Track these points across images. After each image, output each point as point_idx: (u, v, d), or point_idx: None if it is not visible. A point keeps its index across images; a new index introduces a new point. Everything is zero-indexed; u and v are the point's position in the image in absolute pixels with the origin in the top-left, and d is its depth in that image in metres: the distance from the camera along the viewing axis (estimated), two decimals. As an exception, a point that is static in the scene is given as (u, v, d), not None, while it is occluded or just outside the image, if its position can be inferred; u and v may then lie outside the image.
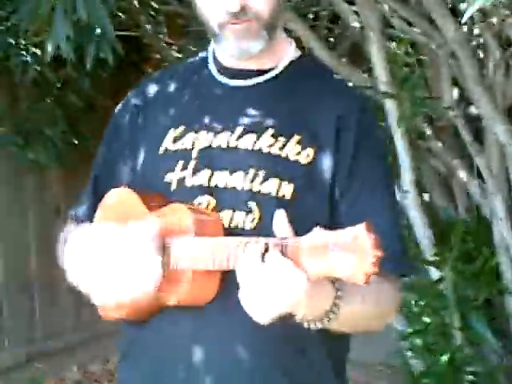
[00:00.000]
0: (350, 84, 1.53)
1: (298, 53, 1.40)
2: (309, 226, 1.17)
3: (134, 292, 1.15)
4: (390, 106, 2.23)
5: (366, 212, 1.26)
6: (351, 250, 0.99)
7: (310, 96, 1.34)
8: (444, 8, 1.98)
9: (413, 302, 2.27)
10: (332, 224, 1.25)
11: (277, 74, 1.36)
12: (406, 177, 2.28)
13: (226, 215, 1.26)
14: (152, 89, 1.43)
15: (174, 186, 1.30)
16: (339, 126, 1.30)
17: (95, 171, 1.41)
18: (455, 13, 2.08)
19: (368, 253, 0.98)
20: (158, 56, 3.49)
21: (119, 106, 1.44)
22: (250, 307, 1.07)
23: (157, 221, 1.18)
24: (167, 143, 1.34)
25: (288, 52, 1.38)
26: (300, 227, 1.17)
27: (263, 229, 1.23)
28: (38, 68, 2.96)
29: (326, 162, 1.29)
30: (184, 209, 1.19)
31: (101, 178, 1.40)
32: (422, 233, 2.32)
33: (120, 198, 1.27)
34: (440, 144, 2.43)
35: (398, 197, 2.24)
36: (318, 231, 1.05)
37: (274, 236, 1.13)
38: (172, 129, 1.35)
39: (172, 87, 1.42)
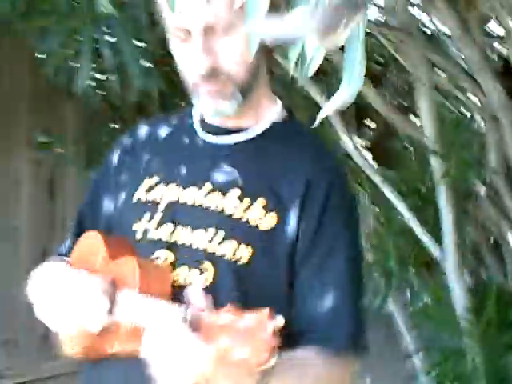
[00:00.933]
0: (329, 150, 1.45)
1: (283, 114, 1.37)
2: (264, 292, 1.21)
3: (79, 328, 1.17)
4: (434, 162, 2.17)
5: (321, 286, 1.25)
6: (250, 335, 0.98)
7: (282, 160, 1.31)
8: (489, 71, 1.90)
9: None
10: (290, 293, 1.25)
11: (256, 135, 1.33)
12: (447, 237, 2.19)
13: (181, 272, 1.25)
14: (143, 133, 1.44)
15: (138, 237, 1.30)
16: (306, 195, 1.27)
17: (81, 207, 1.43)
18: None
19: (264, 342, 0.97)
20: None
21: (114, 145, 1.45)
22: (156, 374, 1.07)
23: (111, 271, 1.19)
24: (140, 192, 1.34)
25: (271, 112, 1.35)
26: (255, 293, 1.20)
27: (215, 290, 1.20)
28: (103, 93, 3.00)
29: (288, 231, 1.26)
30: (135, 263, 1.18)
31: (85, 215, 1.41)
32: (459, 299, 2.23)
33: (88, 240, 1.28)
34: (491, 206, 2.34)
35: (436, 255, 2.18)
36: (227, 310, 1.02)
37: (224, 298, 1.13)
38: (147, 178, 1.35)
39: (159, 134, 1.42)
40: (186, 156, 1.37)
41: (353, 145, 2.39)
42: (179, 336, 1.05)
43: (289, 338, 1.19)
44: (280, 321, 1.02)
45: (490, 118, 2.01)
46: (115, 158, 1.43)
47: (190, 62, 1.27)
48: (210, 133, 1.35)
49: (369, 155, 2.60)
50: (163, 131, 1.43)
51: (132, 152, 1.42)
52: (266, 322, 0.98)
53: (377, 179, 2.33)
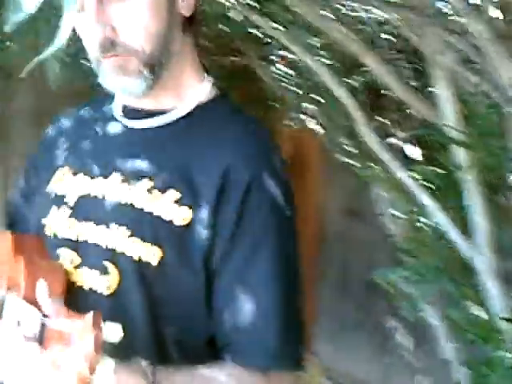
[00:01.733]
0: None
1: (214, 93, 1.21)
2: (177, 298, 1.07)
3: None
4: (459, 153, 1.93)
5: (241, 294, 1.09)
6: (74, 342, 0.88)
7: (202, 146, 1.14)
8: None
9: None
10: (207, 297, 1.10)
11: (177, 118, 1.18)
12: (480, 238, 1.95)
13: (84, 273, 1.12)
14: (66, 121, 1.32)
15: (47, 232, 1.19)
16: (223, 186, 1.10)
17: (11, 195, 1.34)
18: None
19: (83, 350, 0.87)
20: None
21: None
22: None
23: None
24: (52, 184, 1.22)
25: (197, 92, 1.20)
26: (167, 299, 1.07)
27: (119, 295, 1.08)
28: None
29: (202, 228, 1.09)
30: (22, 263, 1.05)
31: (13, 203, 1.33)
32: (498, 304, 1.99)
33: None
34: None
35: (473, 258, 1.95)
36: (65, 315, 0.92)
37: (129, 304, 1.07)
38: (59, 170, 1.23)
39: (76, 124, 1.30)
40: (100, 144, 1.23)
41: (374, 139, 2.19)
42: (16, 347, 0.95)
43: (212, 349, 1.09)
44: (111, 329, 0.92)
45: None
46: (43, 147, 1.33)
47: (86, 35, 1.12)
48: (129, 118, 1.21)
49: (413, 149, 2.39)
50: (79, 120, 1.30)
51: (56, 142, 1.30)
52: (87, 329, 0.87)
53: (403, 175, 2.13)
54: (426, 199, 2.04)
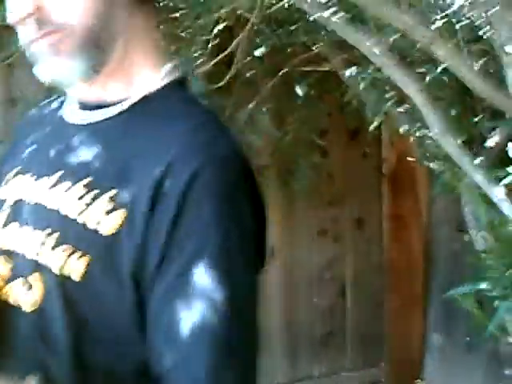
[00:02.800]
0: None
1: (164, 80, 1.06)
2: (105, 318, 0.95)
3: None
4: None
5: (173, 317, 0.92)
6: None
7: (144, 144, 1.00)
8: None
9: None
10: (138, 319, 0.94)
11: (124, 109, 1.04)
12: None
13: (14, 287, 1.00)
14: (23, 123, 1.23)
15: None
16: (160, 186, 0.94)
17: None
18: None
19: None
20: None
21: None
22: None
23: None
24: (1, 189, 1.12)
25: (150, 81, 1.05)
26: (92, 319, 0.95)
27: (43, 314, 0.97)
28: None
29: (134, 235, 0.94)
30: None
31: None
32: None
33: None
34: None
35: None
36: None
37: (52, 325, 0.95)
38: (8, 172, 1.13)
39: (35, 120, 1.19)
40: (48, 142, 1.11)
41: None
42: None
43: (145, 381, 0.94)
44: None
45: None
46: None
47: (12, 8, 0.99)
48: (76, 112, 1.08)
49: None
50: (37, 117, 1.20)
51: (13, 146, 1.20)
52: None
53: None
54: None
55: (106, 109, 1.05)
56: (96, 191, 0.98)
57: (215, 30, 2.66)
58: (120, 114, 1.04)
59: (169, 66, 1.08)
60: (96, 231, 0.96)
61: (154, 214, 0.94)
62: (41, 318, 0.98)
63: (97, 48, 1.01)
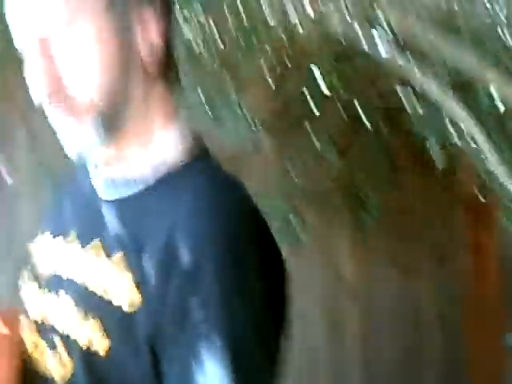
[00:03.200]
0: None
1: (184, 152, 1.08)
2: None
3: None
4: None
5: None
6: None
7: (156, 223, 1.02)
8: None
9: None
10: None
11: (144, 188, 1.07)
12: None
13: (48, 362, 1.06)
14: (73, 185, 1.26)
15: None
16: (166, 266, 0.97)
17: None
18: None
19: None
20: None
21: None
22: None
23: None
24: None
25: (168, 151, 1.08)
26: None
27: None
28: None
29: (150, 312, 0.97)
30: None
31: None
32: None
33: None
34: None
35: None
36: None
37: None
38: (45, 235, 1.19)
39: (75, 187, 1.24)
40: (75, 212, 1.17)
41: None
42: None
43: None
44: None
45: None
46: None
47: (32, 86, 1.02)
48: (105, 189, 1.12)
49: None
50: (77, 186, 1.23)
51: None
52: None
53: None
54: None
55: (129, 185, 1.08)
56: (116, 271, 1.02)
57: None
58: (142, 190, 1.07)
59: (186, 136, 1.10)
60: (119, 307, 1.00)
61: (163, 291, 0.97)
62: None
63: (113, 120, 1.04)
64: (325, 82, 2.93)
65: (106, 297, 1.01)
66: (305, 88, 2.97)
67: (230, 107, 2.63)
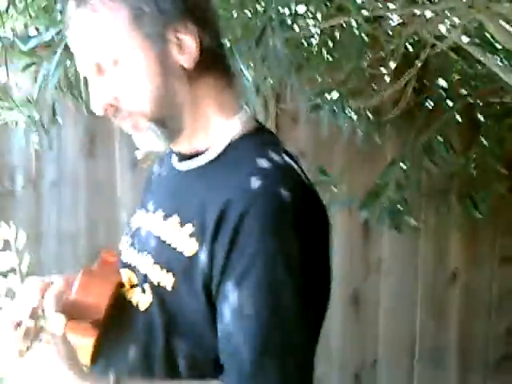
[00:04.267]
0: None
1: (246, 127, 1.30)
2: (189, 319, 1.24)
3: None
4: None
5: (229, 319, 1.19)
6: None
7: (217, 185, 1.24)
8: None
9: None
10: (211, 319, 1.23)
11: (207, 160, 1.30)
12: None
13: (136, 292, 1.32)
14: (160, 161, 1.53)
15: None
16: (220, 220, 1.19)
17: None
18: None
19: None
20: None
21: None
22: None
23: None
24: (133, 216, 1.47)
25: (226, 130, 1.29)
26: (181, 320, 1.24)
27: (149, 313, 1.28)
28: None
29: (204, 259, 1.21)
30: (80, 273, 1.30)
31: None
32: None
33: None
34: None
35: None
36: None
37: (156, 322, 1.26)
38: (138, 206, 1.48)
39: (160, 165, 1.52)
40: (157, 185, 1.46)
41: None
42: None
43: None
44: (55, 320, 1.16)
45: None
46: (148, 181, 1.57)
47: (92, 102, 1.28)
48: (179, 161, 1.37)
49: None
50: (164, 159, 1.51)
51: (149, 179, 1.55)
52: None
53: None
54: None
55: (196, 158, 1.32)
56: (180, 225, 1.27)
57: (391, 63, 2.84)
58: (207, 162, 1.30)
59: (244, 116, 1.32)
60: (182, 253, 1.25)
61: (214, 246, 1.20)
62: (147, 316, 1.28)
63: (167, 120, 1.27)
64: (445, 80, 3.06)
65: (173, 245, 1.27)
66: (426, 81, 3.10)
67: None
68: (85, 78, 2.14)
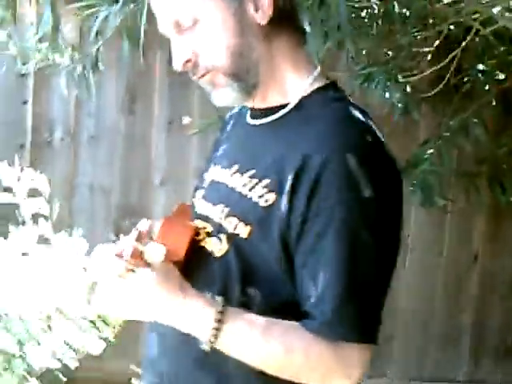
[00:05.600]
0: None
1: (319, 83, 1.34)
2: (264, 267, 1.29)
3: None
4: None
5: (313, 268, 1.24)
6: None
7: (294, 138, 1.29)
8: None
9: None
10: (285, 267, 1.28)
11: (282, 114, 1.34)
12: None
13: (211, 240, 1.37)
14: (229, 117, 1.59)
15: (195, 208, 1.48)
16: (300, 170, 1.24)
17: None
18: None
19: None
20: None
21: None
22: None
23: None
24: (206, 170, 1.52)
25: (299, 85, 1.34)
26: (256, 268, 1.30)
27: (224, 259, 1.33)
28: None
29: (282, 208, 1.26)
30: (163, 219, 1.38)
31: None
32: None
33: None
34: None
35: None
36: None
37: (232, 269, 1.32)
38: (213, 159, 1.52)
39: (233, 120, 1.56)
40: (233, 140, 1.50)
41: None
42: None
43: (292, 315, 1.27)
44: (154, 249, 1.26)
45: None
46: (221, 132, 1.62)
47: (173, 58, 1.33)
48: (253, 117, 1.42)
49: None
50: (236, 116, 1.55)
51: (224, 129, 1.59)
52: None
53: None
54: None
55: (270, 113, 1.37)
56: (256, 179, 1.32)
57: (436, 42, 2.87)
58: (280, 117, 1.35)
59: (316, 72, 1.37)
60: (257, 203, 1.30)
61: (294, 197, 1.25)
62: (224, 262, 1.33)
63: (244, 75, 1.32)
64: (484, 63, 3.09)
65: (248, 196, 1.32)
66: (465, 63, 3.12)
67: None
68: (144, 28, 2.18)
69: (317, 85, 1.36)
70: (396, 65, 2.78)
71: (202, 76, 1.33)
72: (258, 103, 1.38)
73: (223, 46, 1.29)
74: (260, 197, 1.29)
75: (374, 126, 1.32)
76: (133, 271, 1.23)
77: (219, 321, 1.23)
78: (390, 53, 2.78)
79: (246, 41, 1.30)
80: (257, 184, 1.31)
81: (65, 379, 1.52)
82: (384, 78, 2.74)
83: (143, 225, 1.39)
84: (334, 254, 1.23)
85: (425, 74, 2.89)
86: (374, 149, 1.27)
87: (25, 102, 3.41)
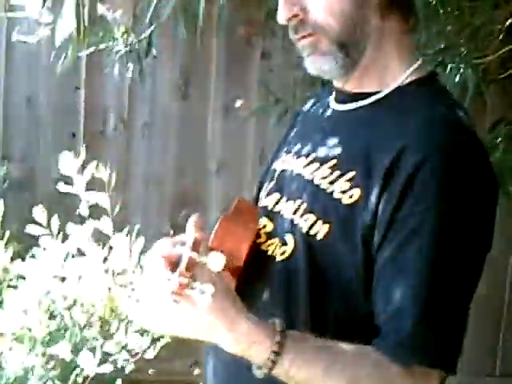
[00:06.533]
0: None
1: (413, 77, 1.20)
2: (336, 268, 1.14)
3: None
4: None
5: (392, 278, 1.10)
6: None
7: (386, 130, 1.15)
8: None
9: None
10: (365, 276, 1.13)
11: (374, 101, 1.20)
12: None
13: (273, 242, 1.23)
14: (307, 106, 1.44)
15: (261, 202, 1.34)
16: (392, 167, 1.10)
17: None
18: None
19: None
20: None
21: None
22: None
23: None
24: (276, 161, 1.37)
25: (400, 75, 1.20)
26: (327, 268, 1.14)
27: (291, 264, 1.18)
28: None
29: (368, 207, 1.11)
30: (220, 220, 1.21)
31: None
32: None
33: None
34: None
35: None
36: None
37: (299, 273, 1.16)
38: (284, 148, 1.37)
39: (309, 107, 1.42)
40: (311, 127, 1.33)
41: None
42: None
43: (367, 329, 1.12)
44: (214, 258, 1.02)
45: None
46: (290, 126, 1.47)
47: (280, 9, 1.19)
48: (338, 101, 1.27)
49: None
50: (312, 103, 1.41)
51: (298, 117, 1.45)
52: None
53: None
54: None
55: (359, 100, 1.23)
56: (339, 171, 1.18)
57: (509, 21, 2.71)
58: (371, 104, 1.22)
59: (417, 63, 1.23)
60: (339, 200, 1.15)
61: (383, 195, 1.11)
62: (289, 266, 1.19)
63: (350, 47, 1.19)
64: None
65: (328, 190, 1.17)
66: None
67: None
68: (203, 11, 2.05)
69: (415, 76, 1.23)
70: (469, 47, 2.63)
71: (305, 37, 1.19)
72: (350, 86, 1.25)
73: (339, 10, 1.16)
74: (343, 192, 1.15)
75: (473, 127, 1.18)
76: (187, 286, 1.02)
77: (276, 353, 1.07)
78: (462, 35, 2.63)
79: (363, 12, 1.18)
80: (339, 177, 1.17)
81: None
82: (458, 61, 2.59)
83: (197, 223, 1.14)
84: (418, 266, 1.09)
85: (498, 54, 2.73)
86: (475, 153, 1.14)
87: (77, 88, 3.31)
